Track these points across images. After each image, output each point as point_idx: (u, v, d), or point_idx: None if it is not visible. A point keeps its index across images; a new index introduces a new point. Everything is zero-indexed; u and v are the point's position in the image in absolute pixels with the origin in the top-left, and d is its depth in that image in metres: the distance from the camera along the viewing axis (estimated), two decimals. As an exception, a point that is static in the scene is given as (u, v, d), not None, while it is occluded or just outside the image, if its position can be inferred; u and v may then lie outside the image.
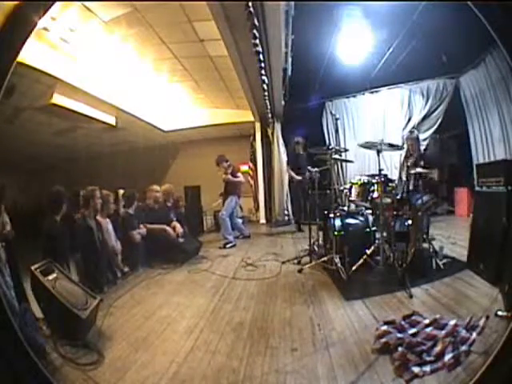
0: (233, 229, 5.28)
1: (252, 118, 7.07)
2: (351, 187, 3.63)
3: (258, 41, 3.59)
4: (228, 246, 5.02)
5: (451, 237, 3.97)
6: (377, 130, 5.87)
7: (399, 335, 2.03)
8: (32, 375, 1.46)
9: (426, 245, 3.32)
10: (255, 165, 7.31)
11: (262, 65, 4.16)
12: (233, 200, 5.32)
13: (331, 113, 6.06)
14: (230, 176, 5.36)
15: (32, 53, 3.67)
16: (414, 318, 2.24)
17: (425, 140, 5.47)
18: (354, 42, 4.87)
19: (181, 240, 4.48)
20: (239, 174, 5.51)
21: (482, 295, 2.50)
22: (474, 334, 1.93)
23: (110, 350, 2.19)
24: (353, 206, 4.00)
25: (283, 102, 6.17)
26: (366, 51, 5.09)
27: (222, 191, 5.48)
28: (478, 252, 2.98)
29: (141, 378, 1.89)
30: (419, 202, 3.37)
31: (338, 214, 3.56)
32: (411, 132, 4.22)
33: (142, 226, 4.28)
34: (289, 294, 2.98)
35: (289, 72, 5.35)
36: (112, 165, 6.01)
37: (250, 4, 3.05)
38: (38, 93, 4.52)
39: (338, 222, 3.50)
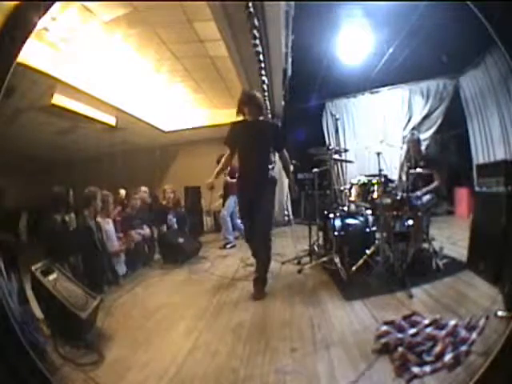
0: (233, 229, 5.28)
1: (252, 119, 7.05)
2: (351, 187, 3.63)
3: (258, 41, 3.58)
4: (228, 246, 5.02)
5: (451, 237, 3.97)
6: (377, 130, 5.87)
7: (399, 335, 2.03)
8: (32, 375, 1.46)
9: (426, 245, 3.32)
10: (255, 165, 7.29)
11: (262, 65, 4.15)
12: (232, 200, 5.31)
13: (331, 113, 6.06)
14: (228, 178, 5.38)
15: (32, 53, 3.67)
16: (413, 318, 2.24)
17: (425, 140, 5.47)
18: (354, 42, 4.88)
19: (181, 240, 4.49)
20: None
21: (482, 295, 2.50)
22: (474, 334, 1.93)
23: (110, 351, 2.19)
24: (353, 207, 4.00)
25: (283, 103, 6.16)
26: (366, 51, 5.10)
27: (222, 192, 5.49)
28: (477, 252, 2.97)
29: (141, 378, 1.89)
30: (419, 202, 3.38)
31: (337, 215, 3.56)
32: (412, 134, 4.20)
33: (144, 226, 4.30)
34: (289, 294, 2.98)
35: (289, 72, 5.34)
36: (112, 165, 6.01)
37: (250, 4, 3.05)
38: (38, 93, 4.51)
39: (338, 223, 3.50)
